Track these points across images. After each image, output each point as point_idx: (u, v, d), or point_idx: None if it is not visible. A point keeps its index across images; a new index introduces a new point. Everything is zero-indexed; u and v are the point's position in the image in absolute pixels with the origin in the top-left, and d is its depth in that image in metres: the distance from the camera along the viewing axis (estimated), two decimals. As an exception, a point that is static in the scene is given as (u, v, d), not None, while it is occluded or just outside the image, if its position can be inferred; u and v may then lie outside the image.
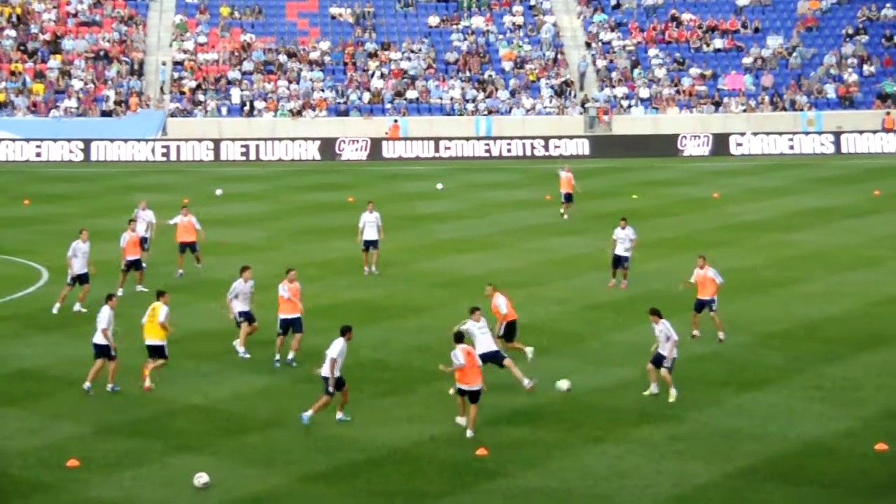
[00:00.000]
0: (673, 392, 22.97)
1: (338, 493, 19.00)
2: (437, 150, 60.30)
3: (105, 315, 23.77)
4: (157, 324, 24.08)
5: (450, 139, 60.68)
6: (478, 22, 69.68)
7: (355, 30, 69.15)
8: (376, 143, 60.22)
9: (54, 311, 29.95)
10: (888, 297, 31.08)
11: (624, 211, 43.66)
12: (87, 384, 23.70)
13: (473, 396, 21.36)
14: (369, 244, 34.01)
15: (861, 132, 61.13)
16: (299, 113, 63.32)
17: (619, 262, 32.01)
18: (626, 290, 31.78)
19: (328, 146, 60.10)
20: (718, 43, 68.45)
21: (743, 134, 61.14)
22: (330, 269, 34.78)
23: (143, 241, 33.68)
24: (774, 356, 25.78)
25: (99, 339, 23.80)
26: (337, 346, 21.86)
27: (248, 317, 26.31)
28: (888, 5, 70.04)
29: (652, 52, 67.82)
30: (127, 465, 20.08)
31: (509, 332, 25.24)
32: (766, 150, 60.65)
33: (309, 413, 21.79)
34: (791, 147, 60.83)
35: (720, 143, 60.64)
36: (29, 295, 32.30)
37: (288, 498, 18.84)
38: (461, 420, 21.62)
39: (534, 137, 60.83)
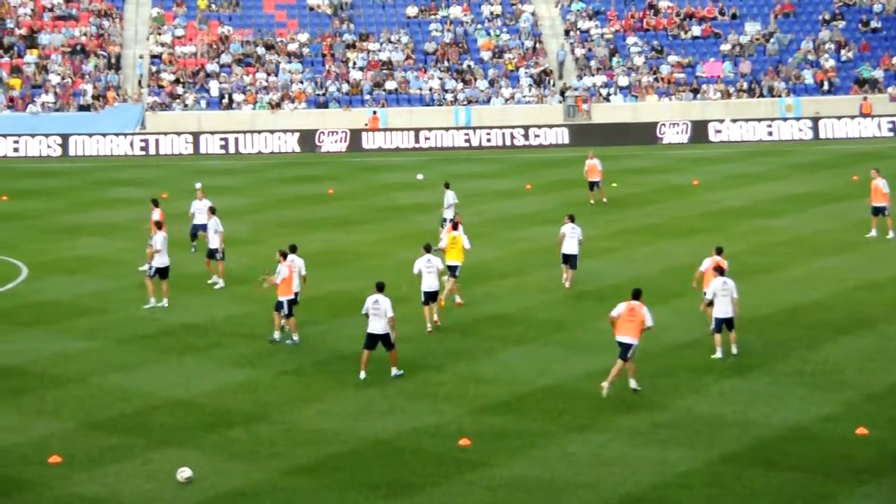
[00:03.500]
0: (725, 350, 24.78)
1: (322, 486, 18.98)
2: (416, 140, 60.24)
3: (388, 303, 23.77)
4: (461, 248, 29.19)
5: (429, 129, 60.60)
6: (456, 12, 69.60)
7: (333, 21, 68.99)
8: (356, 135, 60.11)
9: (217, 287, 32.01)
10: (868, 282, 31.20)
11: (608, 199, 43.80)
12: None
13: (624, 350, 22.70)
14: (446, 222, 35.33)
15: (839, 117, 61.30)
16: (278, 105, 63.17)
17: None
18: (602, 280, 31.82)
19: (308, 138, 59.97)
20: (696, 30, 68.55)
21: (722, 121, 61.25)
22: (310, 262, 34.51)
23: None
24: (756, 342, 25.85)
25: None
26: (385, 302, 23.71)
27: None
28: (863, -10, 70.32)
29: (630, 40, 67.87)
30: (110, 460, 20.01)
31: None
32: (745, 136, 60.79)
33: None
34: (770, 133, 60.98)
35: (699, 130, 60.73)
36: (8, 291, 32.14)
37: (272, 492, 18.80)
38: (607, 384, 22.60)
39: (513, 127, 60.80)
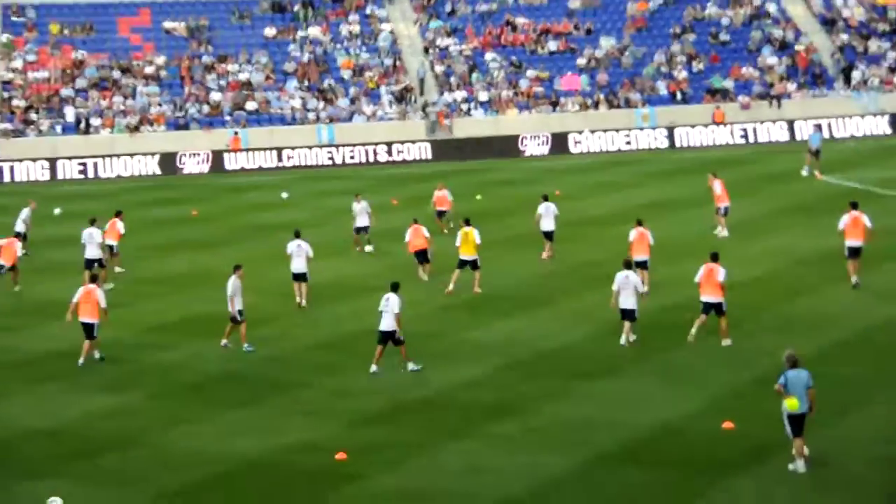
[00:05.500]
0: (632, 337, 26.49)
1: (196, 508, 18.71)
2: (279, 159, 59.94)
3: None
4: (473, 243, 31.73)
5: (292, 148, 60.38)
6: (315, 32, 69.48)
7: (191, 43, 68.22)
8: (218, 156, 59.53)
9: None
10: (728, 284, 31.91)
11: (467, 212, 44.01)
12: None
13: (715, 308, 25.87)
14: (360, 230, 38.22)
15: (693, 126, 62.98)
16: (137, 128, 62.16)
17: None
18: (470, 290, 32.11)
19: (168, 160, 59.16)
20: (553, 45, 69.63)
21: (581, 132, 62.33)
22: (175, 284, 34.25)
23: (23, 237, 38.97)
24: (619, 344, 26.30)
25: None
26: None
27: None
28: (710, 4, 72.25)
29: (489, 56, 68.60)
30: (-27, 494, 19.43)
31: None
32: (604, 146, 61.96)
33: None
34: (628, 143, 62.28)
35: (559, 141, 61.70)
36: None
37: (145, 516, 18.48)
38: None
39: (376, 143, 60.95)
